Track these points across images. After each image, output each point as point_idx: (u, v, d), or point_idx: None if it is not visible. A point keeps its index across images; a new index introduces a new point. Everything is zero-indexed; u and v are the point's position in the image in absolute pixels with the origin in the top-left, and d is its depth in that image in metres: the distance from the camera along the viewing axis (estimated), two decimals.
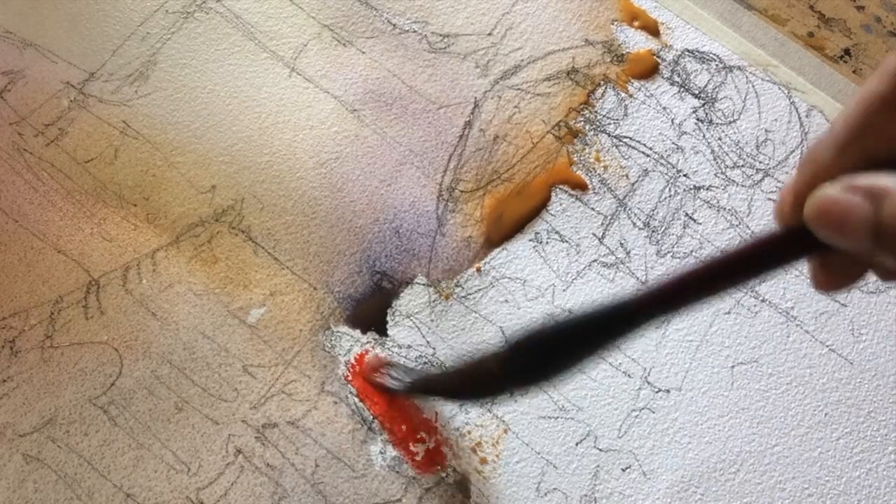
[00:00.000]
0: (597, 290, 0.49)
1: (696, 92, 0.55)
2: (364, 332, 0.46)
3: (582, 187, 0.52)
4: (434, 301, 0.48)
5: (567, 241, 0.50)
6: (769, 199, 0.52)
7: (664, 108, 0.54)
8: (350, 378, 0.45)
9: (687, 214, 0.51)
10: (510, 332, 0.37)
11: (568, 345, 0.35)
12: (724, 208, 0.52)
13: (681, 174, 0.52)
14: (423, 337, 0.47)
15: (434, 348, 0.46)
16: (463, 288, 0.48)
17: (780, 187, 0.53)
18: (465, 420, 0.45)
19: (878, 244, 0.24)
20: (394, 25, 0.54)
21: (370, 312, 0.47)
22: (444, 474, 0.44)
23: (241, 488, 0.42)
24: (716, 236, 0.51)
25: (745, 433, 0.47)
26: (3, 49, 0.50)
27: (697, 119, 0.54)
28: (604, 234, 0.50)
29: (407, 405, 0.45)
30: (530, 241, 0.50)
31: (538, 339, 0.35)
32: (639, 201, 0.51)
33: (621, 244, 0.50)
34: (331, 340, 0.46)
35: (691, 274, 0.30)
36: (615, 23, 0.56)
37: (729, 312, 0.49)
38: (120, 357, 0.44)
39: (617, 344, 0.34)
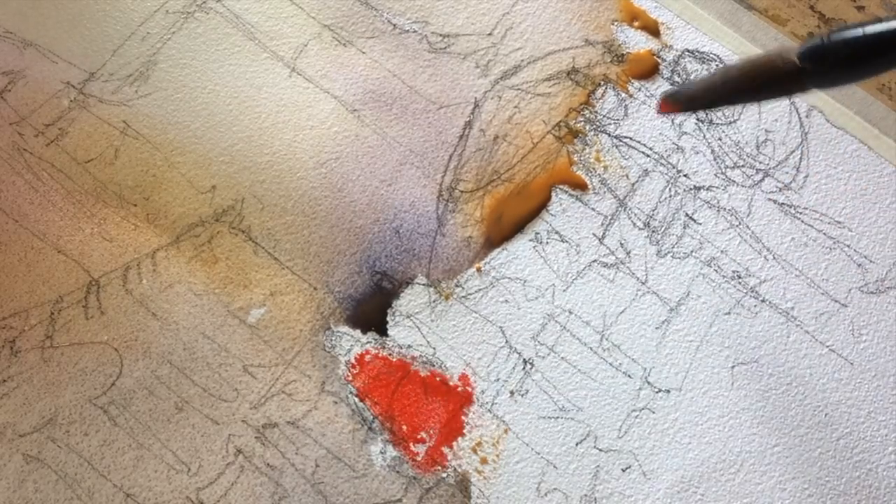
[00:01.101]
0: (597, 291, 0.49)
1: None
2: (364, 332, 0.46)
3: (582, 187, 0.52)
4: (434, 301, 0.48)
5: (567, 241, 0.50)
6: (769, 199, 0.52)
7: None
8: (350, 378, 0.45)
9: (687, 214, 0.51)
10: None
11: (872, 53, 0.37)
12: (724, 208, 0.52)
13: (681, 174, 0.52)
14: (424, 337, 0.47)
15: (434, 348, 0.46)
16: (463, 288, 0.48)
17: (780, 187, 0.53)
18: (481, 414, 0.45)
19: None
20: (394, 25, 0.54)
21: (370, 312, 0.47)
22: (444, 474, 0.44)
23: (241, 488, 0.42)
24: (716, 236, 0.51)
25: (745, 433, 0.47)
26: (3, 49, 0.50)
27: (697, 119, 0.54)
28: (604, 234, 0.50)
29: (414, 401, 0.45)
30: (530, 241, 0.50)
31: (842, 45, 0.37)
32: (639, 201, 0.51)
33: (621, 244, 0.50)
34: (331, 340, 0.46)
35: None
36: (615, 23, 0.56)
37: (729, 313, 0.49)
38: (120, 357, 0.44)
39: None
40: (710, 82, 0.44)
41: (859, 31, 0.37)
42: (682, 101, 0.44)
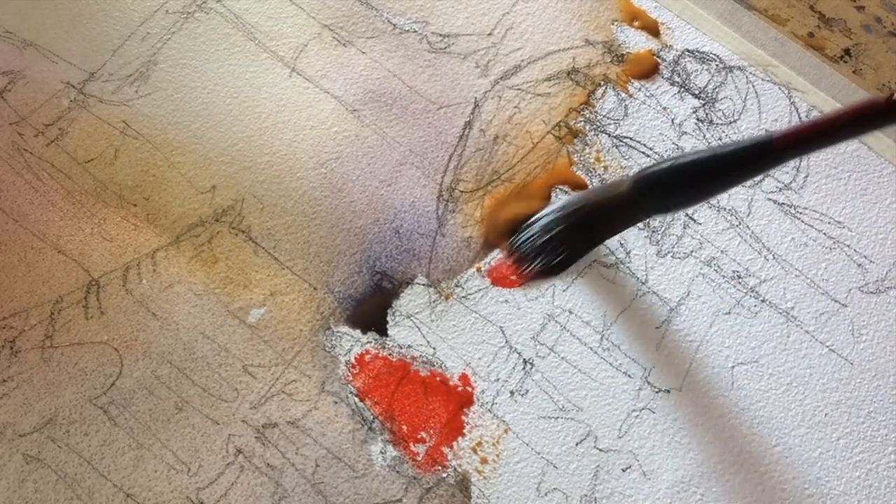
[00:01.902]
0: (597, 291, 0.49)
1: (697, 92, 0.55)
2: (364, 332, 0.46)
3: (582, 187, 0.52)
4: (434, 301, 0.48)
5: None
6: (769, 198, 0.52)
7: (664, 109, 0.54)
8: (350, 378, 0.45)
9: (687, 214, 0.51)
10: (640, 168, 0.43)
11: (700, 177, 0.40)
12: (724, 208, 0.52)
13: None
14: (424, 337, 0.47)
15: (434, 348, 0.46)
16: (463, 288, 0.48)
17: (780, 187, 0.53)
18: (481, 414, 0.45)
19: None
20: (394, 25, 0.54)
21: (370, 312, 0.47)
22: (444, 474, 0.44)
23: (241, 488, 0.42)
24: (716, 236, 0.51)
25: (745, 433, 0.47)
26: (3, 49, 0.50)
27: (697, 119, 0.54)
28: None
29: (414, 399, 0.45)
30: None
31: (670, 170, 0.41)
32: None
33: (621, 244, 0.50)
34: (331, 340, 0.46)
35: (830, 119, 0.36)
36: (615, 23, 0.56)
37: (729, 313, 0.49)
38: (120, 357, 0.44)
39: (746, 179, 0.41)
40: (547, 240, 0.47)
41: (670, 163, 0.41)
42: (525, 259, 0.47)
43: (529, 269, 0.47)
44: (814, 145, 0.38)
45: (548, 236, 0.46)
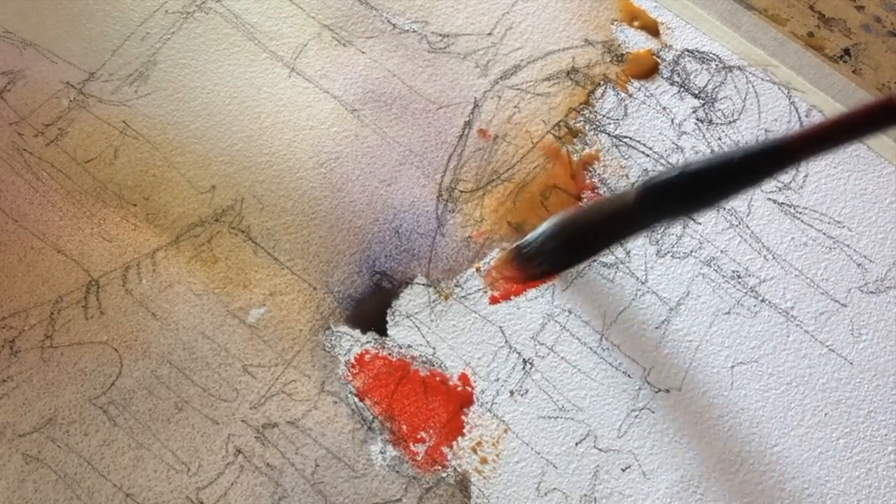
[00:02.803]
0: (596, 290, 0.49)
1: (696, 92, 0.55)
2: (364, 332, 0.46)
3: (582, 187, 0.52)
4: (434, 301, 0.48)
5: None
6: (769, 198, 0.52)
7: (664, 108, 0.54)
8: (350, 378, 0.45)
9: None
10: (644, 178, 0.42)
11: (711, 184, 0.39)
12: (724, 208, 0.52)
13: None
14: (423, 337, 0.47)
15: (434, 348, 0.46)
16: (463, 288, 0.48)
17: (780, 187, 0.53)
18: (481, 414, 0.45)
19: None
20: (394, 25, 0.54)
21: (370, 312, 0.47)
22: (444, 474, 0.44)
23: (241, 488, 0.42)
24: (715, 236, 0.51)
25: (745, 433, 0.47)
26: (3, 49, 0.50)
27: (697, 119, 0.54)
28: None
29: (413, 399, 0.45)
30: None
31: (679, 179, 0.40)
32: None
33: (621, 244, 0.50)
34: (331, 340, 0.46)
35: (845, 119, 0.36)
36: (615, 23, 0.56)
37: (729, 312, 0.49)
38: (120, 357, 0.44)
39: (760, 183, 0.40)
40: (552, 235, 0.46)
41: (679, 171, 0.40)
42: (525, 261, 0.47)
43: (530, 272, 0.47)
44: (828, 146, 0.37)
45: (552, 245, 0.45)
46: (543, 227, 0.46)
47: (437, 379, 0.46)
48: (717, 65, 0.56)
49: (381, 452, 0.44)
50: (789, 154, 0.37)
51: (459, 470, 0.44)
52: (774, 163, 0.38)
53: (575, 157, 0.52)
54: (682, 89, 0.55)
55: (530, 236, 0.47)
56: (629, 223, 0.43)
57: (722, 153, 0.40)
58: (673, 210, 0.41)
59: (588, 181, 0.52)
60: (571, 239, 0.45)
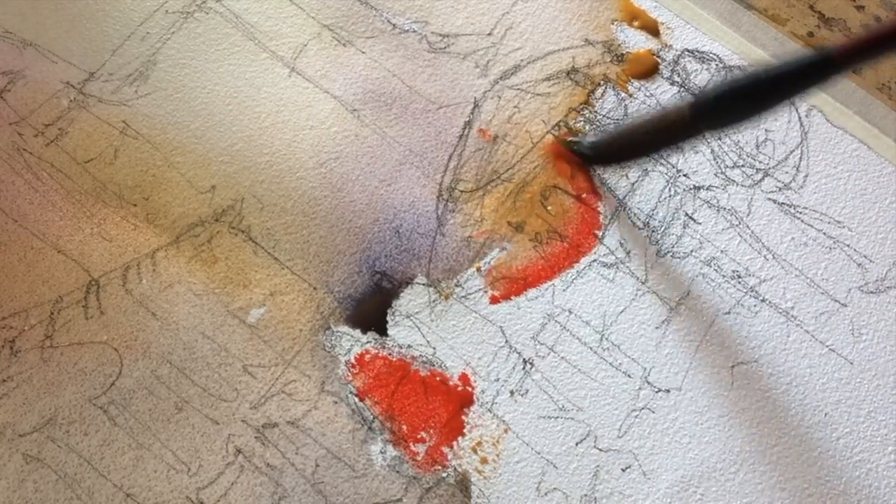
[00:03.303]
0: (596, 290, 0.49)
1: (696, 92, 0.55)
2: (364, 331, 0.46)
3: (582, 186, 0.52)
4: (434, 301, 0.48)
5: (567, 241, 0.50)
6: (769, 198, 0.52)
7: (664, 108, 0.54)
8: (350, 378, 0.45)
9: (687, 214, 0.51)
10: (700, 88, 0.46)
11: (759, 91, 0.41)
12: (724, 208, 0.52)
13: (680, 174, 0.52)
14: (423, 337, 0.47)
15: (434, 348, 0.46)
16: (463, 288, 0.48)
17: (780, 187, 0.53)
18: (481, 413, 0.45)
19: None
20: (394, 25, 0.54)
21: (370, 312, 0.47)
22: (444, 474, 0.44)
23: (241, 488, 0.42)
24: (716, 236, 0.51)
25: (745, 433, 0.47)
26: (3, 49, 0.50)
27: None
28: (604, 233, 0.50)
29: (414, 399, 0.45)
30: (531, 241, 0.50)
31: (728, 87, 0.42)
32: (638, 201, 0.51)
33: (621, 244, 0.50)
34: (331, 340, 0.46)
35: (888, 29, 0.37)
36: (615, 23, 0.56)
37: (729, 312, 0.49)
38: (120, 357, 0.44)
39: (806, 92, 0.41)
40: (614, 135, 0.50)
41: (728, 84, 0.42)
42: (587, 152, 0.51)
43: (586, 154, 0.51)
44: (873, 55, 0.38)
45: (612, 147, 0.50)
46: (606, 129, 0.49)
47: (438, 379, 0.46)
48: (717, 65, 0.56)
49: (381, 452, 0.44)
50: (836, 64, 0.38)
51: (460, 470, 0.44)
52: (821, 72, 0.39)
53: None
54: (682, 89, 0.55)
55: (590, 137, 0.50)
56: (680, 133, 0.45)
57: (769, 66, 0.41)
58: (726, 119, 0.43)
59: (589, 181, 0.52)
60: (630, 144, 0.49)
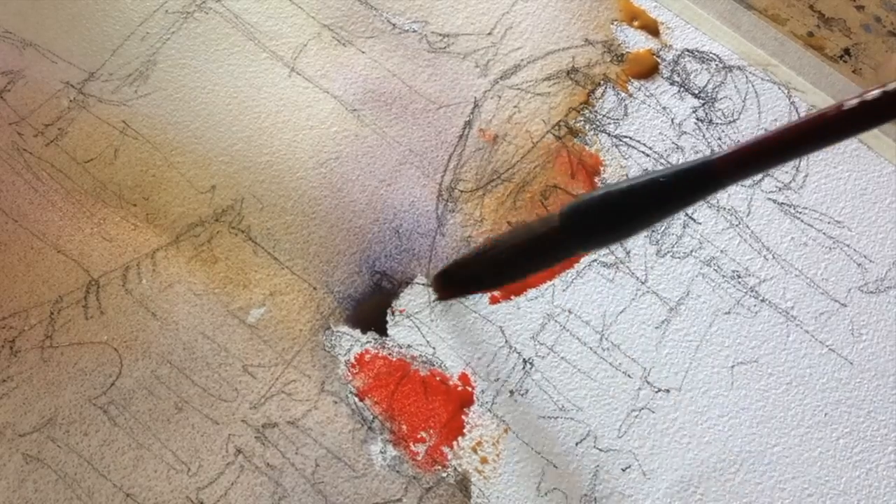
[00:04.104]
0: (596, 290, 0.49)
1: (696, 92, 0.55)
2: (364, 331, 0.46)
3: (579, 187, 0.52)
4: (434, 301, 0.48)
5: None
6: (769, 198, 0.52)
7: (664, 108, 0.54)
8: (350, 378, 0.45)
9: (687, 214, 0.51)
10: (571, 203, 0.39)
11: (634, 207, 0.36)
12: (724, 208, 0.52)
13: None
14: (423, 337, 0.47)
15: (434, 348, 0.46)
16: None
17: (780, 187, 0.53)
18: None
19: None
20: (394, 25, 0.54)
21: (370, 312, 0.47)
22: (444, 474, 0.44)
23: (241, 488, 0.42)
24: (716, 236, 0.51)
25: (745, 433, 0.47)
26: (3, 49, 0.50)
27: (697, 119, 0.54)
28: None
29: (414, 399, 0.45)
30: None
31: (600, 201, 0.37)
32: None
33: (621, 244, 0.50)
34: (331, 340, 0.46)
35: (774, 136, 0.33)
36: (615, 22, 0.56)
37: (729, 312, 0.49)
38: (120, 357, 0.44)
39: (688, 206, 0.37)
40: (472, 259, 0.46)
41: (609, 188, 0.37)
42: (447, 283, 0.47)
43: (450, 292, 0.47)
44: (758, 167, 0.34)
45: (474, 269, 0.45)
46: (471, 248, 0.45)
47: (438, 379, 0.46)
48: (717, 64, 0.56)
49: (381, 452, 0.44)
50: (718, 175, 0.34)
51: (460, 470, 0.44)
52: (702, 185, 0.34)
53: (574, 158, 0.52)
54: (682, 89, 0.55)
55: (458, 259, 0.47)
56: (554, 248, 0.40)
57: (647, 173, 0.37)
58: (599, 233, 0.38)
59: (589, 181, 0.52)
60: (495, 263, 0.44)
